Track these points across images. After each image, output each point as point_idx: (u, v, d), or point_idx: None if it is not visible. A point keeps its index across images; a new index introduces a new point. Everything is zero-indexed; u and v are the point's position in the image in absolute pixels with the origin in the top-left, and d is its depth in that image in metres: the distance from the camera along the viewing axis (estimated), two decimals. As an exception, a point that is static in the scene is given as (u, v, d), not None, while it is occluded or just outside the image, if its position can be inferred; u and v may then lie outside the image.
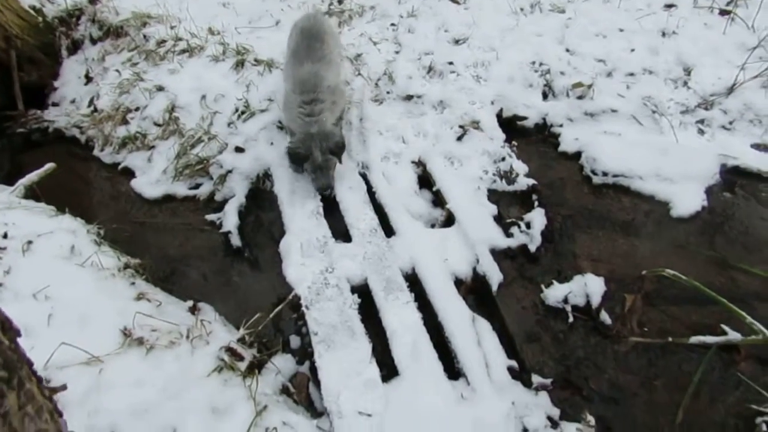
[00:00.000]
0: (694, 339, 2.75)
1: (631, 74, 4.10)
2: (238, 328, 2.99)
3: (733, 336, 2.73)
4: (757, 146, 3.65)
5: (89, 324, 2.81)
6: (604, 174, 3.55)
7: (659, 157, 3.54)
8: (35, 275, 2.97)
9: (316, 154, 3.43)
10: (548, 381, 2.66)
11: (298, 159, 3.51)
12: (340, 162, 3.56)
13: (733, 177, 3.52)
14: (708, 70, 4.04)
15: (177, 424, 2.49)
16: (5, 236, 3.17)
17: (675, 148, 3.58)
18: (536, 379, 2.66)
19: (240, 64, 4.50)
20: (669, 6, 4.59)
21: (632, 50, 4.28)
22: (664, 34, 4.37)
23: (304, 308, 2.98)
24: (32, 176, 3.84)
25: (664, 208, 3.38)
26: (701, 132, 3.74)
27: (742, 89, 3.86)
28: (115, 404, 2.53)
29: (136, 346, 2.76)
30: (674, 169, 3.49)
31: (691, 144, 3.64)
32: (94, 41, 5.18)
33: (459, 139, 3.80)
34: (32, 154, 4.37)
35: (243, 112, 4.14)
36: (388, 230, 3.37)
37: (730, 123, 3.76)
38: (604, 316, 2.88)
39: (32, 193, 3.80)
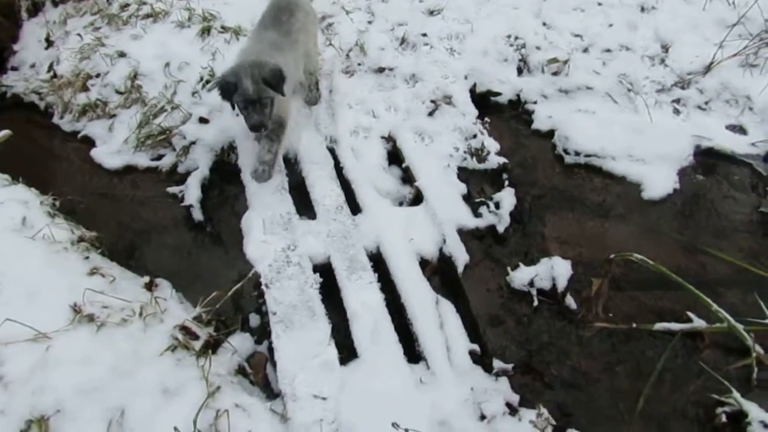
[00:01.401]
0: (659, 326, 2.71)
1: (608, 50, 4.01)
2: (195, 306, 2.90)
3: (698, 323, 2.70)
4: (732, 127, 3.61)
5: (38, 300, 2.70)
6: (576, 154, 3.49)
7: (633, 137, 3.48)
8: (-18, 249, 2.85)
9: (246, 83, 3.01)
10: (509, 366, 2.61)
11: (227, 89, 3.07)
12: (281, 94, 3.14)
13: (707, 159, 3.48)
14: (686, 47, 3.96)
15: (126, 405, 2.41)
16: (-46, 207, 3.04)
17: (649, 128, 3.52)
18: (497, 364, 2.61)
19: (206, 31, 4.33)
20: (648, -20, 4.49)
21: (610, 25, 4.19)
22: (643, 9, 4.28)
23: (263, 287, 2.89)
24: (-15, 144, 3.67)
25: (635, 190, 3.33)
26: (677, 112, 3.67)
27: (719, 68, 3.79)
28: (62, 382, 2.43)
29: (87, 323, 2.66)
30: (647, 150, 3.43)
31: (666, 124, 3.57)
32: (55, 3, 4.99)
33: (430, 114, 3.70)
34: (-12, 121, 4.18)
35: (208, 82, 4.00)
36: (355, 207, 3.28)
37: (706, 103, 3.70)
38: (570, 301, 2.84)
39: (-15, 161, 3.64)
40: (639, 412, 2.45)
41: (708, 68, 3.80)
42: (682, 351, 2.65)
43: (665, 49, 3.98)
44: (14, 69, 4.64)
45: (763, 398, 2.45)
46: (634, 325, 2.71)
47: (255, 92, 3.03)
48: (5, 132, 3.75)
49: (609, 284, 2.91)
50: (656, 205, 3.26)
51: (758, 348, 2.54)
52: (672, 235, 3.12)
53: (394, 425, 1.93)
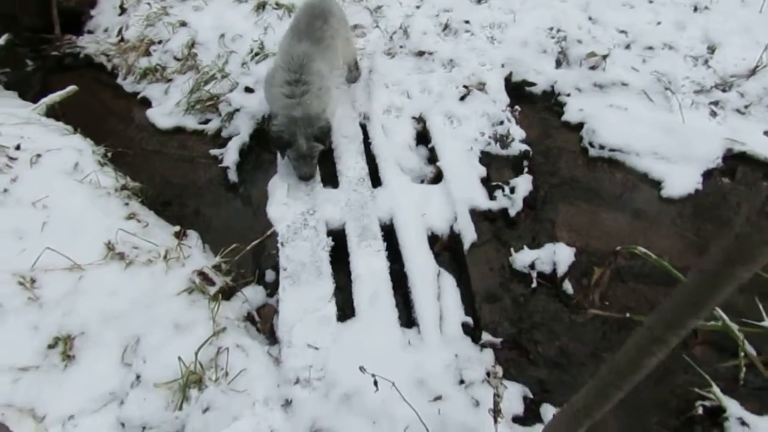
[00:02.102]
0: (653, 317, 2.73)
1: (650, 48, 3.97)
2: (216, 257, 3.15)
3: (693, 319, 2.70)
4: (770, 133, 3.52)
5: (78, 235, 3.02)
6: (601, 147, 3.50)
7: (661, 136, 3.45)
8: (38, 186, 3.19)
9: (301, 142, 3.21)
10: (498, 340, 2.71)
11: (281, 144, 3.27)
12: (325, 147, 3.36)
13: (737, 163, 3.41)
14: (733, 49, 3.86)
15: (141, 334, 2.68)
16: (18, 148, 3.40)
17: (681, 128, 3.48)
18: (486, 336, 2.72)
19: (261, 7, 4.58)
20: (707, -19, 4.39)
21: (658, 23, 4.13)
22: (695, 9, 4.19)
23: (279, 245, 3.09)
24: (54, 96, 4.06)
25: (655, 187, 3.32)
26: (713, 114, 3.61)
27: (765, 72, 3.69)
28: (89, 309, 2.74)
29: (117, 260, 2.96)
30: (674, 149, 3.40)
31: (699, 125, 3.52)
32: (133, -27, 5.34)
33: (462, 98, 3.80)
34: (62, 77, 4.58)
35: (257, 54, 4.24)
36: (376, 181, 3.44)
37: (746, 107, 3.61)
38: (567, 286, 2.89)
39: (53, 112, 4.02)
40: (620, 399, 2.50)
41: (753, 72, 3.71)
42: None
43: (711, 50, 3.90)
44: (90, 32, 5.04)
45: (746, 398, 2.45)
46: (628, 315, 2.74)
47: (308, 149, 3.25)
48: (72, 87, 4.13)
49: (612, 275, 2.95)
50: (674, 204, 3.24)
51: (749, 348, 2.53)
52: (685, 234, 3.11)
53: (361, 369, 2.07)
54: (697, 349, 2.67)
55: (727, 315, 2.58)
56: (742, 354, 2.51)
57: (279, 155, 3.44)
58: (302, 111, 3.22)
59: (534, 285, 2.93)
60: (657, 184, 3.32)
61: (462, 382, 2.51)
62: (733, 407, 2.40)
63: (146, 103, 4.33)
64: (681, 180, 3.29)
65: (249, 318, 2.95)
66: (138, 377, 2.55)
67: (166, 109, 4.18)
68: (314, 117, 3.24)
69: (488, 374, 2.43)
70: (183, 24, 4.57)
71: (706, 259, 0.99)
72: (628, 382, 1.17)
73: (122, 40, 4.69)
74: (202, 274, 2.96)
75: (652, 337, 1.10)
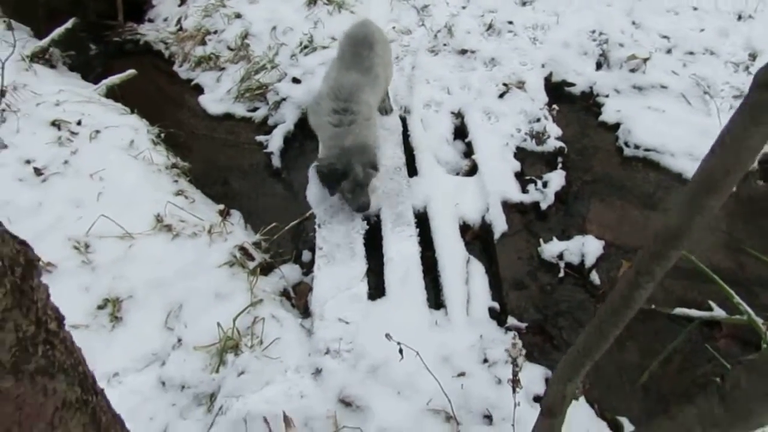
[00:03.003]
0: (678, 310, 2.80)
1: (691, 53, 4.00)
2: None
3: (718, 313, 2.75)
4: (808, 141, 3.50)
5: (131, 206, 3.22)
6: (636, 147, 3.56)
7: (698, 138, 3.49)
8: (95, 159, 3.42)
9: (358, 169, 3.07)
10: (523, 325, 2.80)
11: (334, 176, 3.10)
12: (378, 172, 3.26)
13: (772, 168, 3.43)
14: None
15: (184, 300, 2.86)
16: (79, 123, 3.64)
17: (717, 131, 3.44)
18: (511, 320, 2.81)
19: (313, 2, 4.77)
20: (754, -11, 4.38)
21: (701, 30, 4.16)
22: (740, 17, 4.21)
23: (316, 227, 3.25)
24: (114, 79, 4.32)
25: (688, 188, 3.34)
26: (752, 120, 3.61)
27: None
28: (137, 275, 2.94)
29: (165, 231, 3.15)
30: (710, 152, 3.42)
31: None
32: (193, -34, 5.59)
33: (501, 96, 3.90)
34: (122, 62, 4.82)
35: (306, 47, 4.42)
36: (413, 171, 3.56)
37: (786, 114, 3.61)
38: (594, 277, 2.97)
39: (112, 93, 4.27)
40: (642, 385, 2.57)
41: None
42: (698, 337, 2.72)
43: (752, 57, 3.91)
44: (150, 21, 5.30)
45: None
46: (653, 306, 2.80)
47: (364, 177, 3.12)
48: (130, 71, 4.38)
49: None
50: (707, 205, 3.27)
51: (772, 342, 2.57)
52: (717, 233, 3.14)
53: (388, 336, 2.18)
54: (721, 341, 2.72)
55: (753, 310, 2.61)
56: (765, 347, 2.54)
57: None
58: (353, 139, 3.14)
59: (561, 275, 3.01)
60: (690, 185, 3.35)
61: (486, 361, 2.61)
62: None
63: (199, 89, 4.54)
64: (715, 182, 3.31)
65: (285, 294, 3.10)
66: (179, 340, 2.72)
67: (217, 96, 4.38)
68: (367, 146, 3.18)
69: (512, 345, 2.52)
70: (238, 16, 4.78)
71: (681, 192, 1.09)
72: (622, 317, 1.26)
73: (180, 29, 4.93)
74: (242, 249, 3.12)
75: (639, 270, 1.20)
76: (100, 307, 2.83)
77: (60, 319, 1.07)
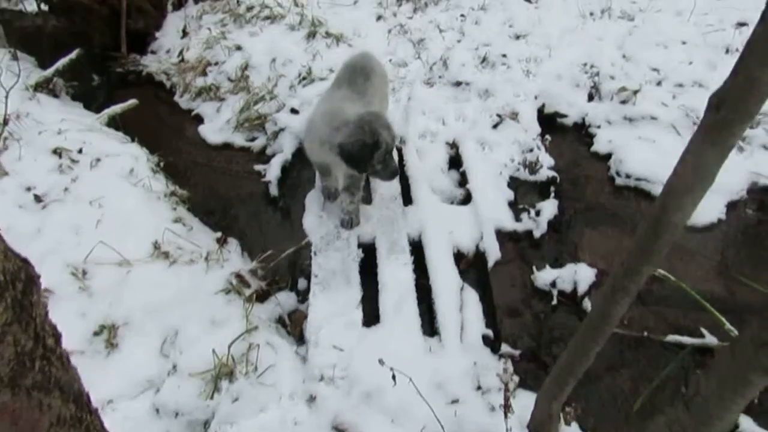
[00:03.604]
0: (671, 337, 2.82)
1: (680, 85, 4.09)
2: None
3: (710, 340, 2.77)
4: (796, 171, 3.58)
5: (129, 233, 3.25)
6: (628, 176, 3.62)
7: (688, 169, 3.54)
8: (95, 186, 3.46)
9: (386, 135, 2.93)
10: (517, 352, 2.82)
11: (366, 151, 2.93)
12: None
13: (762, 196, 3.49)
14: None
15: (180, 327, 2.88)
16: (80, 151, 3.69)
17: (707, 163, 3.56)
18: (505, 347, 2.83)
19: (312, 35, 4.88)
20: (741, 24, 4.50)
21: (690, 63, 4.25)
22: (727, 51, 4.31)
23: (312, 254, 3.28)
24: (116, 108, 4.40)
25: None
26: (740, 149, 3.71)
27: (792, 112, 3.77)
28: (133, 301, 2.96)
29: (162, 258, 3.18)
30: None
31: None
32: (196, 0, 5.72)
33: (494, 126, 3.98)
34: (124, 92, 4.91)
35: (304, 78, 4.52)
36: (408, 200, 3.61)
37: (773, 144, 3.70)
38: (587, 304, 2.99)
39: (113, 123, 4.35)
40: (635, 412, 2.57)
41: (781, 111, 3.79)
42: (690, 364, 2.74)
43: (741, 90, 3.99)
44: (153, 52, 5.41)
45: (759, 415, 2.50)
46: (646, 333, 2.83)
47: (393, 140, 3.03)
48: (132, 101, 4.47)
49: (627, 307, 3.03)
50: (699, 232, 3.33)
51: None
52: (708, 261, 3.18)
53: (380, 361, 2.20)
54: (712, 370, 2.72)
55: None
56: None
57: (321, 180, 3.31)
58: (368, 111, 3.06)
59: (555, 302, 3.04)
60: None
61: (479, 388, 2.63)
62: (746, 423, 2.46)
63: (199, 119, 4.62)
64: (706, 210, 3.37)
65: (280, 321, 3.12)
66: (174, 367, 2.73)
67: (217, 126, 4.46)
68: (380, 114, 3.08)
69: (504, 370, 2.53)
70: (238, 48, 4.89)
71: (648, 211, 1.15)
72: (601, 333, 1.30)
73: (182, 60, 5.04)
74: (239, 276, 3.15)
75: (614, 287, 1.23)
76: (96, 333, 2.83)
77: (57, 336, 1.10)
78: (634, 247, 1.20)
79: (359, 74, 3.42)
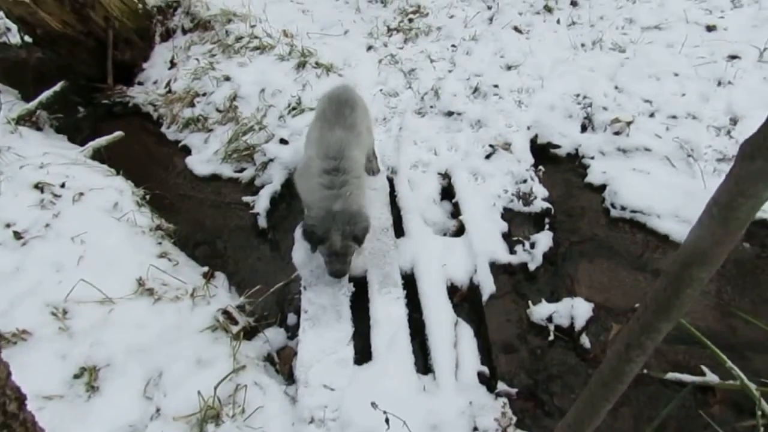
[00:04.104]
0: (671, 375, 2.73)
1: (674, 117, 4.06)
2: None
3: (711, 378, 2.69)
4: (793, 203, 3.53)
5: (112, 270, 3.15)
6: (623, 208, 3.56)
7: (682, 199, 3.50)
8: (78, 222, 3.37)
9: (335, 238, 2.98)
10: (513, 390, 2.72)
11: (313, 240, 3.05)
12: (360, 246, 3.14)
13: (758, 229, 3.42)
14: (755, 122, 3.81)
15: (164, 367, 2.77)
16: (63, 185, 3.60)
17: (702, 194, 3.52)
18: (501, 386, 2.73)
19: (302, 65, 4.84)
20: (732, 57, 4.50)
21: (683, 95, 4.23)
22: (719, 83, 4.29)
23: (302, 288, 3.19)
24: (101, 140, 4.33)
25: (676, 248, 3.33)
26: (736, 182, 3.65)
27: (786, 144, 3.74)
28: (116, 341, 2.84)
29: (147, 295, 3.08)
30: (696, 213, 3.39)
31: (722, 192, 3.56)
32: (185, 31, 5.69)
33: (487, 157, 3.92)
34: (110, 123, 4.85)
35: (294, 108, 4.46)
36: (400, 232, 3.54)
37: None
38: (585, 340, 2.91)
39: (99, 155, 4.26)
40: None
41: (776, 142, 3.76)
42: (692, 403, 2.65)
43: (733, 121, 3.97)
44: (140, 83, 5.37)
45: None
46: (646, 371, 2.74)
47: (342, 247, 3.03)
48: (118, 133, 4.40)
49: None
50: (696, 267, 3.26)
51: (767, 407, 2.50)
52: (707, 296, 3.11)
53: (373, 405, 2.11)
54: (715, 407, 2.64)
55: (746, 374, 2.56)
56: (760, 413, 2.48)
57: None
58: (341, 205, 3.04)
59: (551, 338, 2.96)
60: (677, 246, 3.34)
61: (476, 429, 2.53)
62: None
63: (186, 150, 4.55)
64: (702, 243, 3.31)
65: (269, 358, 3.02)
66: (158, 410, 2.62)
67: (205, 157, 4.39)
68: (355, 214, 3.07)
69: (502, 414, 2.44)
70: (227, 78, 4.84)
71: (667, 264, 1.06)
72: (612, 391, 1.22)
73: (170, 91, 4.98)
74: (226, 312, 3.05)
75: (629, 344, 1.15)
76: (76, 376, 2.71)
77: (21, 399, 1.00)
78: (651, 301, 1.12)
79: (345, 105, 3.38)
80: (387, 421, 2.15)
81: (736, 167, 0.95)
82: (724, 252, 1.00)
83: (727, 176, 0.97)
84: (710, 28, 4.93)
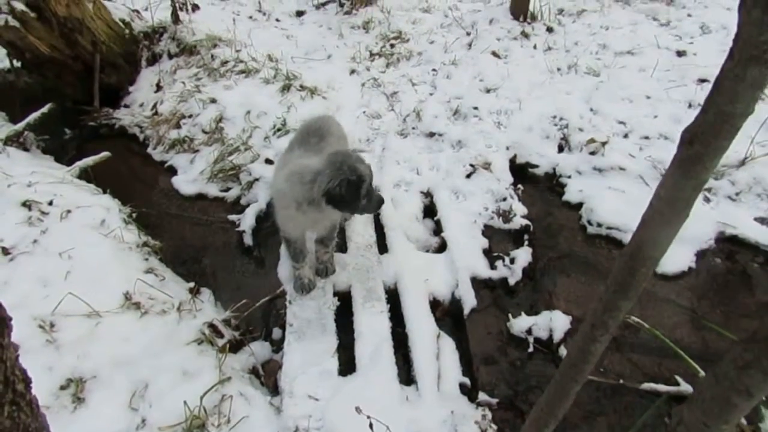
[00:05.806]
0: (646, 385, 2.82)
1: (647, 137, 4.23)
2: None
3: (685, 387, 2.78)
4: (760, 220, 3.68)
5: (99, 284, 3.18)
6: (599, 225, 3.68)
7: (656, 216, 3.62)
8: (65, 238, 3.39)
9: (362, 167, 2.85)
10: (494, 400, 2.79)
11: (353, 189, 2.80)
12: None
13: (729, 245, 3.57)
14: None
15: (150, 379, 2.79)
16: (50, 203, 3.63)
17: (674, 211, 3.65)
18: (482, 396, 2.80)
19: (287, 88, 4.96)
20: (702, 81, 4.70)
21: (655, 116, 4.41)
22: (690, 106, 4.48)
23: (287, 302, 3.25)
24: (88, 160, 4.38)
25: (649, 264, 3.45)
26: (707, 200, 3.81)
27: (753, 163, 3.91)
28: (102, 354, 2.87)
29: (133, 309, 3.11)
30: (669, 230, 3.56)
31: (693, 209, 3.67)
32: (171, 56, 5.78)
33: (468, 176, 4.05)
34: (97, 145, 4.88)
35: (279, 129, 4.56)
36: (383, 249, 3.62)
37: (737, 194, 3.81)
38: (563, 351, 2.99)
39: (85, 175, 4.31)
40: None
41: (742, 162, 3.93)
42: (666, 412, 2.73)
43: (704, 142, 4.13)
44: (126, 106, 5.42)
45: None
46: (621, 381, 2.83)
47: (371, 171, 2.95)
48: (104, 153, 4.46)
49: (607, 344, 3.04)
50: (670, 280, 3.38)
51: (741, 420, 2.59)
52: (680, 309, 3.22)
53: (357, 409, 2.16)
54: (689, 418, 2.72)
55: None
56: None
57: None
58: (337, 152, 2.95)
59: (531, 350, 3.04)
60: (652, 262, 3.46)
61: (457, 437, 2.58)
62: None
63: (172, 171, 4.61)
64: (676, 258, 3.44)
65: (254, 371, 3.06)
66: (143, 421, 2.64)
67: (190, 177, 4.45)
68: (350, 152, 3.00)
69: (482, 417, 2.50)
70: (213, 101, 4.93)
71: (626, 246, 1.16)
72: (580, 372, 1.30)
73: (156, 113, 5.06)
74: (212, 326, 3.10)
75: (594, 324, 1.24)
76: (62, 388, 2.73)
77: (27, 381, 1.06)
78: (611, 282, 1.22)
79: (312, 135, 3.30)
80: (371, 426, 2.20)
81: (678, 152, 1.06)
82: (673, 232, 1.11)
83: (672, 162, 1.08)
84: (680, 53, 5.16)
